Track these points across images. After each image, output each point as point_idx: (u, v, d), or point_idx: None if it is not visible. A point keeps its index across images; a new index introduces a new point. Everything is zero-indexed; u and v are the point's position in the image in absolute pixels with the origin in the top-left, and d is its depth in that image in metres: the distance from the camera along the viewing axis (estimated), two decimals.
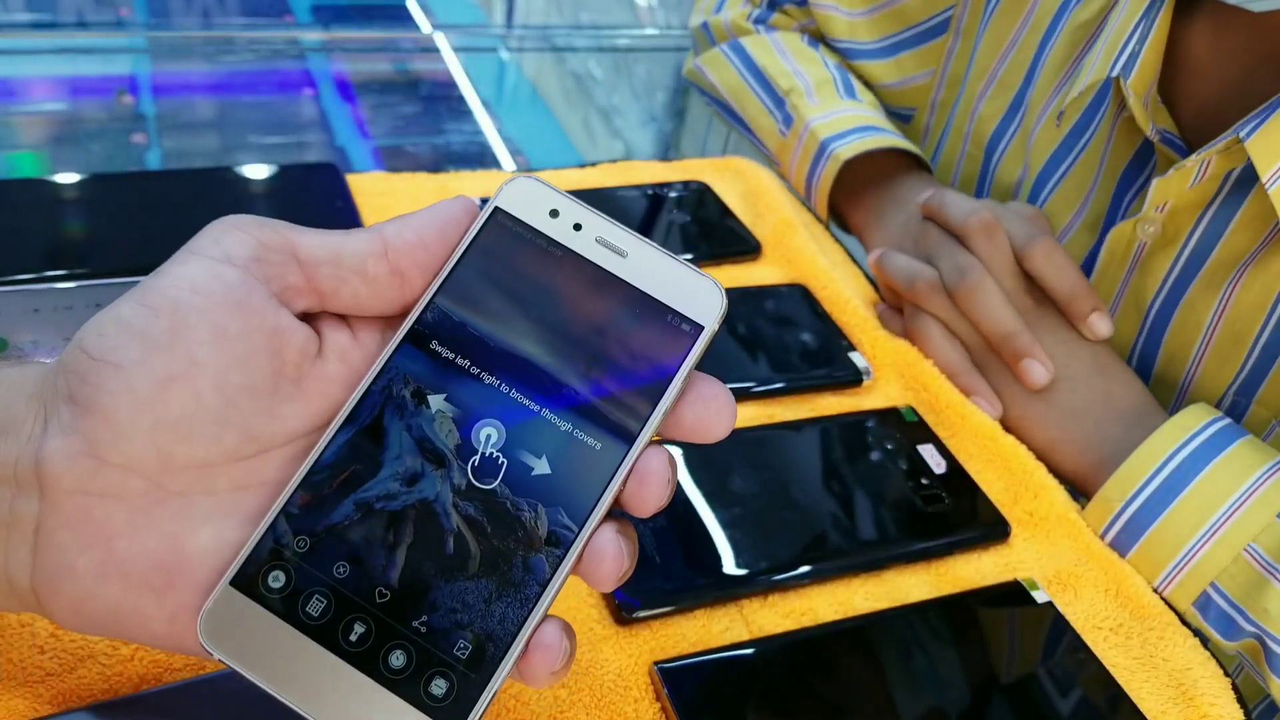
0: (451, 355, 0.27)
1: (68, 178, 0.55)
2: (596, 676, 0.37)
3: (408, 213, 0.28)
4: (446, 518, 0.26)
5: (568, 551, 0.25)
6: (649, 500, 0.26)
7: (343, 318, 0.28)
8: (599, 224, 0.28)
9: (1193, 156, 0.48)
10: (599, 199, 0.63)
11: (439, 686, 0.24)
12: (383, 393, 0.26)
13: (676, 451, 0.45)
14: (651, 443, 0.27)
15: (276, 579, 0.25)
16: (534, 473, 0.26)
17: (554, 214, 0.28)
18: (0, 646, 0.33)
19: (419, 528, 0.25)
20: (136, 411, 0.24)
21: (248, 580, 0.25)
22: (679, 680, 0.36)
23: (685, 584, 0.40)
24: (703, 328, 0.27)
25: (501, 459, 0.26)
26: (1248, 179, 0.49)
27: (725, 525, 0.42)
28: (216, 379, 0.24)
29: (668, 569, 0.40)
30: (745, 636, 0.39)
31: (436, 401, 0.26)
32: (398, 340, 0.27)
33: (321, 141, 1.41)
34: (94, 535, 0.24)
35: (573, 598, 0.39)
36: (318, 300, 0.27)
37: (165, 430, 0.24)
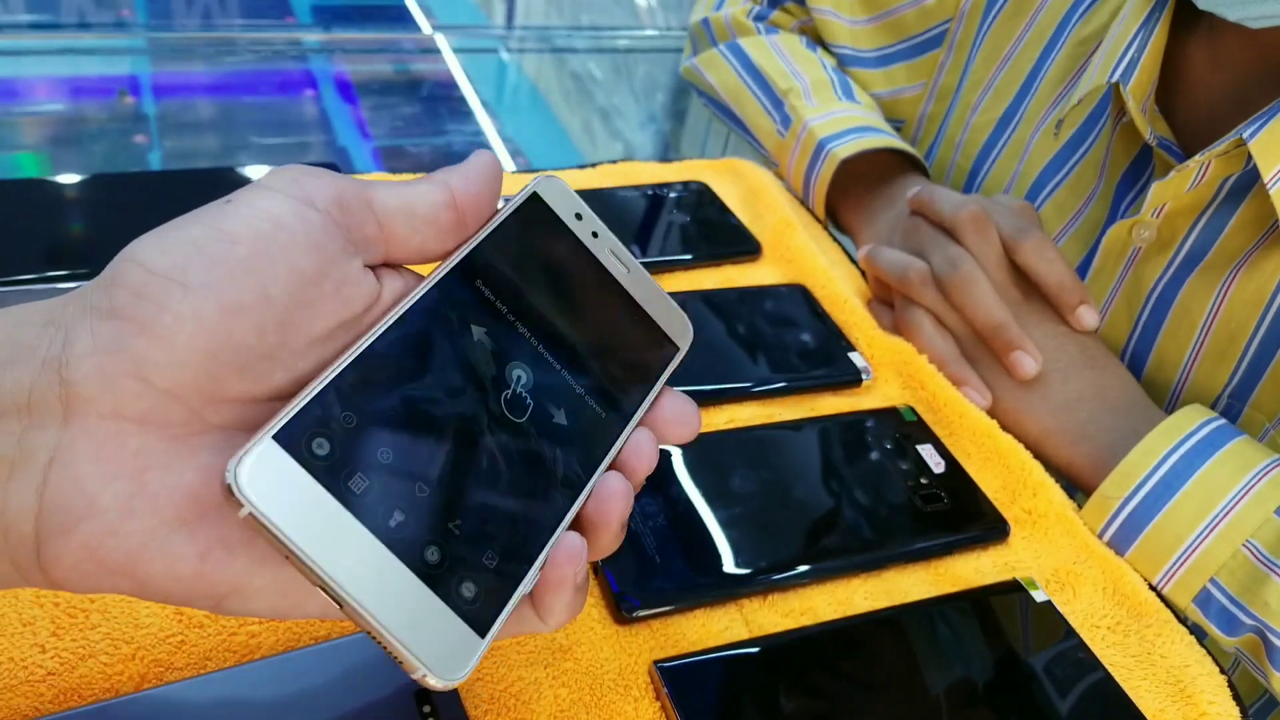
0: (493, 297, 0.28)
1: (69, 178, 0.55)
2: (597, 675, 0.37)
3: (455, 166, 0.28)
4: (485, 436, 0.26)
5: (579, 492, 0.28)
6: (643, 465, 0.29)
7: (397, 268, 0.28)
8: (611, 239, 0.31)
9: (1194, 158, 0.48)
10: (600, 199, 0.63)
11: (468, 589, 0.25)
12: (435, 305, 0.27)
13: (677, 450, 0.46)
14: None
15: (321, 446, 0.23)
16: (553, 420, 0.28)
17: (578, 217, 0.31)
18: (1, 645, 0.33)
19: (459, 438, 0.26)
20: (197, 335, 0.22)
21: (292, 439, 0.23)
22: (679, 679, 0.37)
23: (685, 583, 0.40)
24: (679, 349, 0.32)
25: (529, 400, 0.28)
26: (1243, 186, 0.49)
27: (725, 525, 0.42)
28: (282, 317, 0.23)
29: (668, 568, 0.40)
30: (745, 635, 0.39)
31: (478, 332, 0.27)
32: (451, 265, 0.27)
33: (322, 142, 1.42)
34: (125, 465, 0.22)
35: None
36: (388, 251, 0.27)
37: (223, 360, 0.23)
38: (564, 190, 0.31)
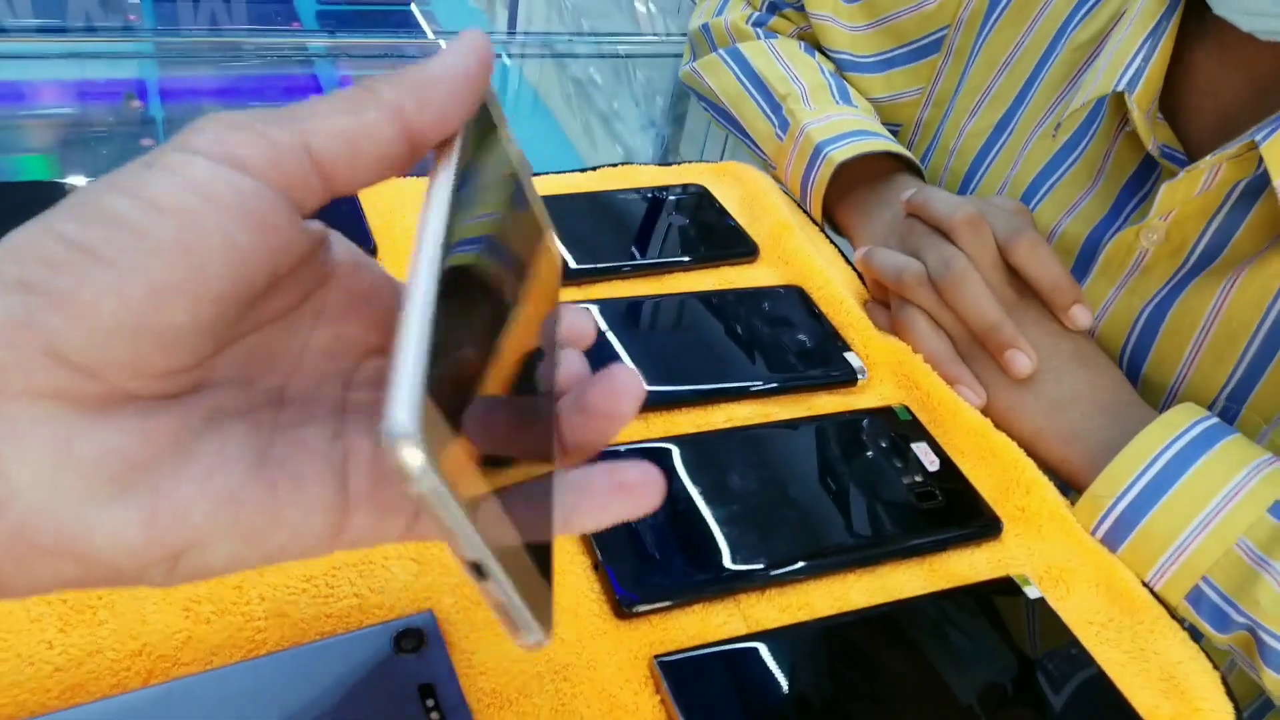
0: (481, 232, 0.24)
1: (76, 180, 0.56)
2: (598, 669, 0.37)
3: (416, 69, 0.24)
4: (529, 388, 0.25)
5: (553, 431, 0.27)
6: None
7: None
8: (516, 144, 0.28)
9: (1206, 159, 0.49)
10: (600, 202, 0.63)
11: (536, 543, 0.24)
12: (452, 250, 0.22)
13: (676, 449, 0.46)
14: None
15: (458, 406, 0.20)
16: (540, 361, 0.26)
17: (502, 122, 0.27)
18: (9, 641, 0.34)
19: (521, 394, 0.24)
20: (122, 313, 0.20)
21: (442, 400, 0.19)
22: (679, 673, 0.37)
23: (684, 579, 0.40)
24: (561, 259, 0.29)
25: (532, 360, 0.26)
26: (1254, 191, 0.49)
27: (723, 522, 0.43)
28: (218, 293, 0.21)
29: (667, 565, 0.41)
30: (743, 630, 0.40)
31: (491, 271, 0.24)
32: (446, 198, 0.22)
33: None
34: (43, 440, 0.20)
35: (574, 592, 0.40)
36: (329, 196, 0.24)
37: (148, 338, 0.21)
38: (493, 93, 0.26)
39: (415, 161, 0.24)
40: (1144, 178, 0.55)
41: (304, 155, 0.22)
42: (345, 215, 0.56)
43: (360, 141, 0.23)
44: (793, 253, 0.61)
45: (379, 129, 0.23)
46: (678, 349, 0.52)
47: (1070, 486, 0.51)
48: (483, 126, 0.25)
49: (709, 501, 0.44)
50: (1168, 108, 0.54)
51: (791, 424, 0.49)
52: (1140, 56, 0.52)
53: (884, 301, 0.58)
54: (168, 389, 0.22)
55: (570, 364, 0.29)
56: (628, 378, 0.26)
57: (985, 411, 0.52)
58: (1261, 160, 0.47)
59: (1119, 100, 0.55)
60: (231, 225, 0.21)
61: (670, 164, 0.71)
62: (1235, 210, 0.50)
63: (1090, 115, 0.58)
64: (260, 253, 0.22)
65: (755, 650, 0.39)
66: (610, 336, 0.52)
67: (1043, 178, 0.60)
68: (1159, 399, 0.54)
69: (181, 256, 0.21)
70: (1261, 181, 0.49)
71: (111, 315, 0.20)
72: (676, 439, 0.47)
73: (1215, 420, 0.47)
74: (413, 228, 0.57)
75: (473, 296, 0.23)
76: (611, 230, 0.61)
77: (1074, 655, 0.41)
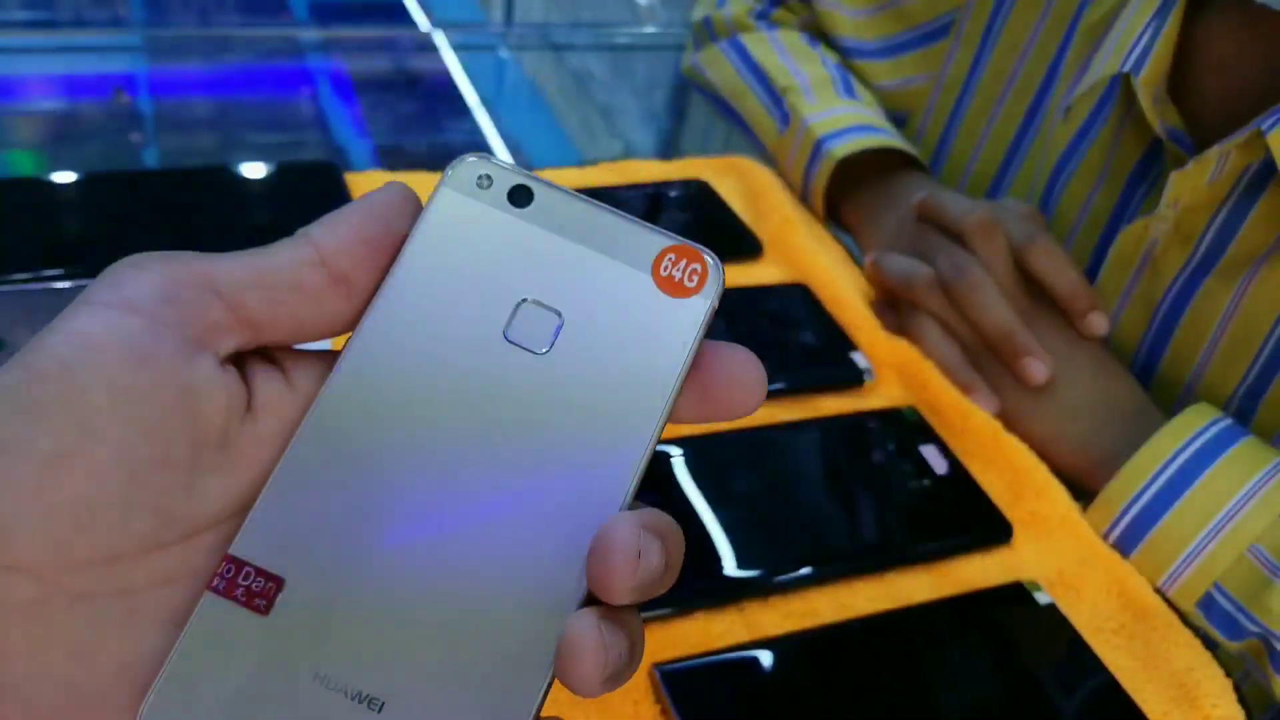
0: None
1: (65, 176, 0.55)
2: None
3: (336, 211, 0.23)
4: None
5: None
6: None
7: (274, 360, 0.23)
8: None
9: (1214, 148, 0.48)
10: (600, 198, 0.62)
11: None
12: None
13: (679, 451, 0.45)
14: None
15: None
16: None
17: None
18: None
19: None
20: (22, 498, 0.19)
21: None
22: (679, 682, 0.36)
23: (686, 585, 0.39)
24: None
25: None
26: (1262, 176, 0.48)
27: (726, 526, 0.42)
28: (120, 452, 0.20)
29: None
30: (746, 638, 0.39)
31: None
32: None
33: (320, 140, 1.41)
34: None
35: None
36: (252, 334, 0.22)
37: (61, 518, 0.19)
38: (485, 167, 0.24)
39: (354, 299, 0.23)
40: (1149, 165, 0.54)
41: (207, 284, 0.21)
42: None
43: (267, 268, 0.22)
44: (797, 250, 0.60)
45: (285, 253, 0.22)
46: None
47: (1084, 492, 0.50)
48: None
49: (712, 505, 0.43)
50: (1175, 87, 0.53)
51: (797, 426, 0.48)
52: (1147, 36, 0.51)
53: (891, 302, 0.57)
54: (122, 582, 0.20)
55: None
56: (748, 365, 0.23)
57: (998, 417, 0.51)
58: (1269, 149, 0.46)
59: (1129, 85, 0.54)
60: (118, 370, 0.20)
61: (671, 159, 0.70)
62: (1243, 199, 0.49)
63: (1101, 98, 0.57)
64: (160, 399, 0.20)
65: (758, 659, 0.38)
66: None
67: (1062, 164, 0.59)
68: (1174, 396, 0.53)
69: (66, 418, 0.19)
70: (1270, 168, 0.48)
71: (13, 501, 0.19)
72: (678, 441, 0.46)
73: (1229, 422, 0.47)
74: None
75: None
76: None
77: (1084, 662, 0.40)
